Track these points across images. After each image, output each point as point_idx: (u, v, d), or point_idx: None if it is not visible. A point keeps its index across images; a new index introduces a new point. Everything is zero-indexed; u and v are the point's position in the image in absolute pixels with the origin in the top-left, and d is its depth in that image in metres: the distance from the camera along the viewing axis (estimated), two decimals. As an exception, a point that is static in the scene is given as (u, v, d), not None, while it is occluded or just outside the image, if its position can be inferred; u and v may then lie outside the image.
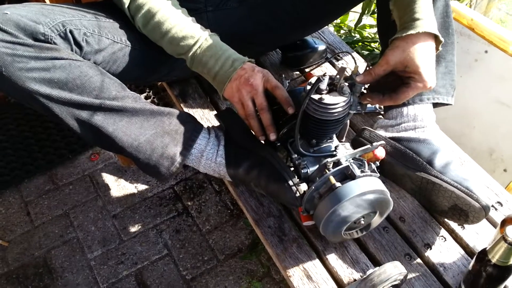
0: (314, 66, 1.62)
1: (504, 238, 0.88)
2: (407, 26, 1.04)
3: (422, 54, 1.02)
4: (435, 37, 1.05)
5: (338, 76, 1.03)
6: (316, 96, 1.03)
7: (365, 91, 1.10)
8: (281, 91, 1.12)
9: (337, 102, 1.03)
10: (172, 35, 1.16)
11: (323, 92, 1.03)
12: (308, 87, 1.04)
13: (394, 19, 1.12)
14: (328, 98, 1.03)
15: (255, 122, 1.15)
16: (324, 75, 1.04)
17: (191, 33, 1.15)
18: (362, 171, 1.05)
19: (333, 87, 1.05)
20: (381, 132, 1.26)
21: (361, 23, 2.27)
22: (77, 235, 1.86)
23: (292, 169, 1.15)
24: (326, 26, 1.75)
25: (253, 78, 1.11)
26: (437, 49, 1.07)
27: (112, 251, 1.80)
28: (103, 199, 1.96)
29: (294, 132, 1.08)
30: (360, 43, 2.25)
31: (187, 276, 1.72)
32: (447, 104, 1.27)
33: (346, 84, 1.06)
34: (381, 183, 1.06)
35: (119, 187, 2.00)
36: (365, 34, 2.31)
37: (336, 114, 1.04)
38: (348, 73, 1.07)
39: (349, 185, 1.02)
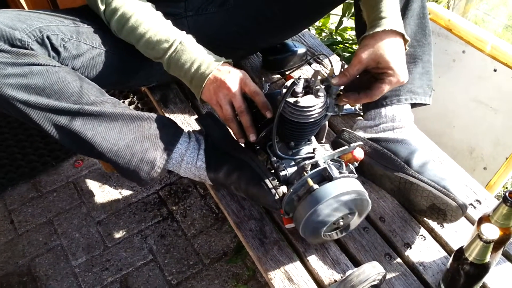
0: (295, 69, 1.63)
1: (479, 236, 0.89)
2: (374, 24, 1.07)
3: (391, 50, 1.05)
4: (402, 36, 1.08)
5: (313, 79, 1.04)
6: (291, 99, 1.04)
7: (341, 93, 1.11)
8: (259, 96, 1.12)
9: (312, 104, 1.04)
10: (147, 40, 1.16)
11: (298, 95, 1.04)
12: (284, 91, 1.05)
13: (364, 20, 1.14)
14: (303, 101, 1.04)
15: (234, 124, 1.15)
16: (299, 78, 1.04)
17: (165, 36, 1.15)
18: (340, 172, 1.06)
19: (308, 90, 1.06)
20: (360, 133, 1.26)
21: (342, 26, 2.28)
22: (61, 243, 1.85)
23: (272, 172, 1.16)
24: (307, 29, 1.77)
25: (230, 80, 1.10)
26: (404, 47, 1.09)
27: (96, 258, 1.79)
28: (87, 205, 1.96)
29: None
30: (341, 45, 2.26)
31: (172, 281, 1.72)
32: (425, 104, 1.29)
33: (322, 86, 1.07)
34: (359, 183, 1.06)
35: (103, 193, 2.00)
36: (346, 36, 2.32)
37: (312, 116, 1.05)
38: (324, 75, 1.08)
39: (327, 187, 1.03)
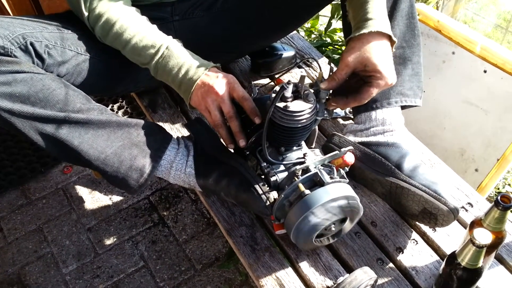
0: (284, 72, 1.62)
1: (472, 241, 0.88)
2: (360, 26, 1.05)
3: (378, 52, 1.03)
4: (389, 37, 1.06)
5: (300, 84, 1.03)
6: (281, 104, 1.03)
7: (330, 97, 1.10)
8: (247, 102, 1.11)
9: (302, 109, 1.03)
10: (133, 46, 1.14)
11: (288, 100, 1.03)
12: (273, 95, 1.04)
13: (350, 21, 1.13)
14: (293, 106, 1.03)
15: (224, 130, 1.14)
16: (288, 82, 1.03)
17: (151, 42, 1.13)
18: (331, 177, 1.05)
19: (298, 94, 1.05)
20: (351, 137, 1.25)
21: (332, 27, 2.28)
22: (52, 250, 1.83)
23: (262, 177, 1.15)
24: (296, 31, 1.76)
25: (218, 85, 1.09)
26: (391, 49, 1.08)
27: (87, 265, 1.78)
28: (77, 212, 1.94)
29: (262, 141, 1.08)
30: (330, 47, 2.26)
31: (164, 288, 1.71)
32: (415, 106, 1.28)
33: (311, 91, 1.06)
34: (351, 188, 1.06)
35: (93, 199, 1.98)
36: (336, 38, 2.32)
37: (302, 121, 1.04)
38: (313, 78, 1.07)
39: (318, 192, 1.02)
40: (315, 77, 1.07)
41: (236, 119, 1.11)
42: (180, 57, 1.13)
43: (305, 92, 1.04)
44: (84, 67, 1.20)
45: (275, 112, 1.04)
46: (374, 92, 1.06)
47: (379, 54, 1.03)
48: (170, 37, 1.16)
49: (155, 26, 1.18)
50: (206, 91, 1.10)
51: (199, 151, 1.20)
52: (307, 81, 1.08)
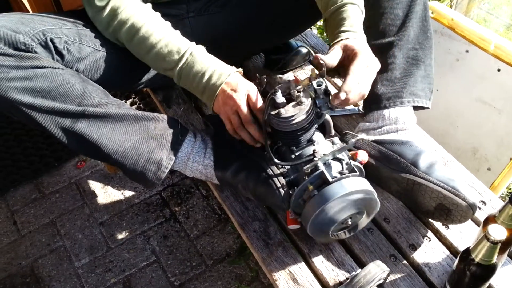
0: (296, 68, 1.63)
1: (486, 237, 0.88)
2: (346, 34, 1.13)
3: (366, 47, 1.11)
4: None
5: (291, 86, 1.06)
6: (273, 112, 1.05)
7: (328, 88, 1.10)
8: (258, 114, 1.12)
9: (294, 113, 1.04)
10: (158, 51, 1.15)
11: (280, 106, 1.05)
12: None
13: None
14: (285, 111, 1.04)
15: (244, 133, 1.15)
16: (274, 90, 1.05)
17: (176, 48, 1.14)
18: (341, 172, 1.05)
19: (292, 97, 1.06)
20: (363, 136, 1.26)
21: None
22: (64, 244, 1.84)
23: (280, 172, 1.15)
24: (309, 28, 1.76)
25: (236, 93, 1.11)
26: None
27: (99, 259, 1.79)
28: (90, 206, 1.95)
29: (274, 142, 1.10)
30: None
31: (175, 282, 1.72)
32: (425, 108, 1.28)
33: (308, 87, 1.07)
34: (359, 182, 1.05)
35: (106, 194, 1.99)
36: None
37: (299, 123, 1.05)
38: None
39: (324, 191, 1.03)
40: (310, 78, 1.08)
41: (252, 124, 1.13)
42: (203, 63, 1.14)
43: (297, 93, 1.05)
44: (101, 63, 1.21)
45: (270, 120, 1.06)
46: (361, 65, 1.08)
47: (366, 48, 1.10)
48: (193, 43, 1.17)
49: (178, 32, 1.18)
50: (225, 97, 1.12)
51: (218, 143, 1.21)
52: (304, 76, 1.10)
